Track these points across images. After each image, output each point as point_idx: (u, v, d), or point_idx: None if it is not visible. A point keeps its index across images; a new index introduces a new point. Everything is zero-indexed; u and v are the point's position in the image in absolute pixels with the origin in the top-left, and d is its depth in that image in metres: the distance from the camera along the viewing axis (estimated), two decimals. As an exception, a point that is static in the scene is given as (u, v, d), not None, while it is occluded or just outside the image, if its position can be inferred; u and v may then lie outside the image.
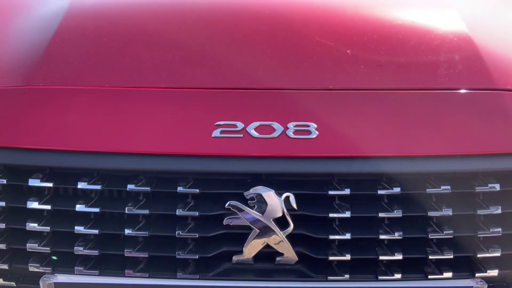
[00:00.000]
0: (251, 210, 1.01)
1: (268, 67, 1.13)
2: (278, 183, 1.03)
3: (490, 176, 1.04)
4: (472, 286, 1.01)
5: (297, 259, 1.03)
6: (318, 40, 1.17)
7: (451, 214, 1.01)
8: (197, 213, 1.03)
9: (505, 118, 1.06)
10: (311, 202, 1.04)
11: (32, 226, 1.04)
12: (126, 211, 1.02)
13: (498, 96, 1.09)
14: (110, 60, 1.17)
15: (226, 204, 1.02)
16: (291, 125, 1.03)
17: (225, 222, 1.02)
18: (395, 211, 1.02)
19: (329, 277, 1.03)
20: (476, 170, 1.03)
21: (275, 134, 1.02)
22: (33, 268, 1.05)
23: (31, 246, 1.04)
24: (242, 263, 1.05)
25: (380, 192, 1.02)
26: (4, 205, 1.05)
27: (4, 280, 1.09)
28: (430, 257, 1.03)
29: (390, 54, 1.18)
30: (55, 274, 1.03)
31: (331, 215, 1.02)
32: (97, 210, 1.03)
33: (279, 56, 1.16)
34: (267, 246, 1.03)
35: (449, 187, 1.01)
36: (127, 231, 1.03)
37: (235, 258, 1.04)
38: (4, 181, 1.05)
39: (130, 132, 1.05)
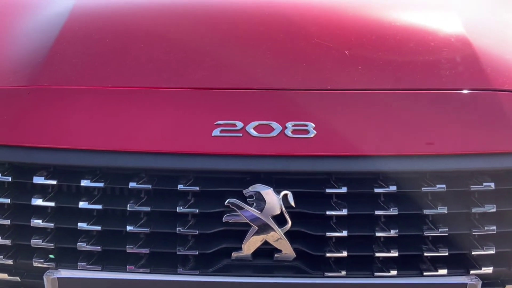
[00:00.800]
0: (250, 208, 1.02)
1: (267, 68, 1.14)
2: (277, 181, 1.04)
3: (485, 175, 1.04)
4: (467, 283, 1.02)
5: (295, 255, 1.04)
6: (316, 41, 1.19)
7: (446, 212, 1.02)
8: (197, 211, 1.04)
9: (501, 118, 1.07)
10: (309, 200, 1.05)
11: (36, 222, 1.05)
12: (128, 208, 1.03)
13: (493, 96, 1.10)
14: (112, 60, 1.18)
15: (226, 202, 1.03)
16: (289, 124, 1.04)
17: (224, 219, 1.03)
18: (391, 209, 1.03)
19: (326, 274, 1.03)
20: (471, 169, 1.04)
21: (274, 133, 1.03)
22: (37, 263, 1.06)
23: (35, 242, 1.05)
24: (241, 260, 1.06)
25: (376, 190, 1.03)
26: (9, 202, 1.06)
27: (8, 275, 1.10)
28: (425, 254, 1.04)
29: (387, 55, 1.18)
30: (59, 270, 1.04)
31: (328, 212, 1.03)
32: (99, 207, 1.05)
33: (277, 57, 1.17)
34: (266, 243, 1.04)
35: (444, 185, 1.02)
36: (129, 228, 1.04)
37: (234, 254, 1.05)
38: (9, 179, 1.06)
39: (132, 131, 1.06)
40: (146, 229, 1.04)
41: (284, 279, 1.05)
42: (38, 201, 1.06)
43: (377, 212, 1.03)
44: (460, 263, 1.06)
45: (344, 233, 1.02)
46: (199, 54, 1.18)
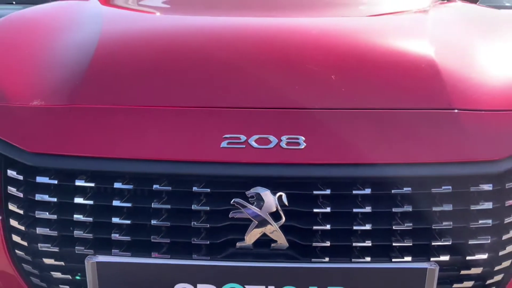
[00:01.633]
0: (251, 206, 1.11)
1: (266, 91, 1.26)
2: (273, 185, 1.12)
3: (445, 179, 1.15)
4: (427, 268, 1.10)
5: (287, 245, 1.13)
6: (306, 68, 1.32)
7: (411, 210, 1.13)
8: (208, 208, 1.13)
9: (457, 133, 1.19)
10: (299, 200, 1.13)
11: (78, 217, 1.15)
12: (152, 206, 1.13)
13: (452, 114, 1.21)
14: (138, 83, 1.29)
15: (231, 201, 1.12)
16: (284, 138, 1.14)
17: (230, 215, 1.12)
18: (366, 208, 1.13)
19: (313, 260, 1.14)
20: (432, 175, 1.14)
21: (271, 145, 1.14)
22: (79, 250, 1.16)
23: (77, 233, 1.15)
24: (244, 248, 1.14)
25: (354, 192, 1.13)
26: (56, 200, 1.17)
27: (55, 260, 1.19)
28: (394, 244, 1.14)
29: (365, 79, 1.30)
30: (97, 255, 1.13)
31: (315, 210, 1.12)
32: (129, 205, 1.14)
33: (274, 82, 1.28)
34: (264, 234, 1.12)
35: (410, 189, 1.13)
36: (153, 222, 1.13)
37: (238, 244, 1.14)
38: (56, 182, 1.16)
39: (155, 143, 1.17)
40: (167, 223, 1.14)
41: (279, 264, 1.13)
42: (79, 200, 1.16)
43: (355, 210, 1.13)
44: (423, 252, 1.15)
45: (328, 227, 1.12)
46: (211, 78, 1.30)
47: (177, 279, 1.13)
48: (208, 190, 1.14)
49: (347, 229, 1.15)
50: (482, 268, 1.19)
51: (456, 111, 1.22)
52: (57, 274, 1.21)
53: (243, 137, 1.15)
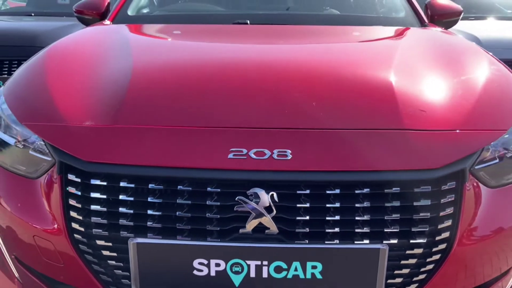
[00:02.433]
0: (251, 202, 1.33)
1: (262, 115, 1.55)
2: (267, 186, 1.35)
3: (395, 182, 1.38)
4: (379, 248, 1.36)
5: (277, 231, 1.35)
6: (294, 96, 1.62)
7: (369, 205, 1.38)
8: (219, 203, 1.35)
9: (405, 147, 1.48)
10: (286, 198, 1.35)
11: (122, 210, 1.39)
12: (177, 202, 1.36)
13: (402, 133, 1.50)
14: (166, 107, 1.59)
15: (236, 198, 1.34)
16: (275, 151, 1.39)
17: (235, 209, 1.34)
18: (336, 203, 1.36)
19: (296, 241, 1.36)
20: (386, 179, 1.39)
21: (266, 157, 1.38)
22: (123, 234, 1.39)
23: (122, 221, 1.39)
24: (245, 233, 1.36)
25: (327, 192, 1.36)
26: (105, 197, 1.41)
27: (105, 242, 1.42)
28: (356, 230, 1.37)
29: (338, 106, 1.59)
30: (136, 238, 1.37)
31: (298, 205, 1.36)
32: (160, 201, 1.38)
33: (267, 108, 1.56)
34: (260, 223, 1.34)
35: (369, 189, 1.37)
36: (178, 213, 1.37)
37: (241, 230, 1.36)
38: (105, 183, 1.41)
39: (179, 154, 1.42)
40: (188, 214, 1.36)
41: (271, 244, 1.37)
42: (122, 197, 1.39)
43: (327, 205, 1.37)
44: (378, 237, 1.38)
45: (307, 218, 1.36)
46: (220, 106, 1.59)
47: (195, 256, 1.37)
48: (219, 190, 1.36)
49: (321, 219, 1.38)
50: (422, 249, 1.42)
51: (405, 130, 1.53)
52: (106, 252, 1.45)
53: (245, 150, 1.39)
